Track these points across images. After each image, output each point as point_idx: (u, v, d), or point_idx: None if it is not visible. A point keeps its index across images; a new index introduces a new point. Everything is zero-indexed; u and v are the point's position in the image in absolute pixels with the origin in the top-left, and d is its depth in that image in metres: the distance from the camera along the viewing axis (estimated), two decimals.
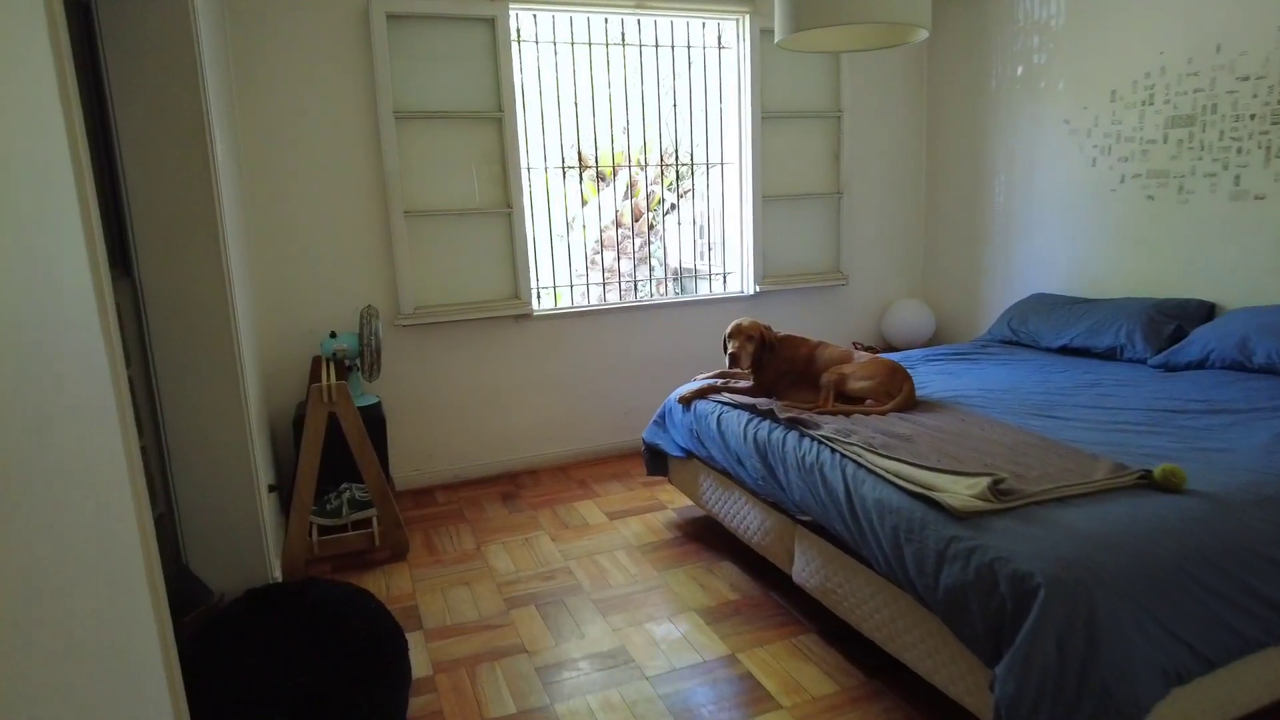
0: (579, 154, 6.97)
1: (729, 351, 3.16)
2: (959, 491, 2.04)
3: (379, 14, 3.65)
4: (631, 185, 7.04)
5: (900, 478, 2.21)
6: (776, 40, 2.58)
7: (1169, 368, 3.19)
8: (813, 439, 2.61)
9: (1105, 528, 1.85)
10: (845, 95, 4.62)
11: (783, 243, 4.70)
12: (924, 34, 2.68)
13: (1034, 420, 2.67)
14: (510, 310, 4.10)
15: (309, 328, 3.76)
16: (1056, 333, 3.73)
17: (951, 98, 4.69)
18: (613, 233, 7.02)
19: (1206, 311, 3.44)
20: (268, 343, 3.71)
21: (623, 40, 4.36)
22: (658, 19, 4.30)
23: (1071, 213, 4.06)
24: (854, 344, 4.93)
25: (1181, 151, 3.52)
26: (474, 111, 3.93)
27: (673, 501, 3.77)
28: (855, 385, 2.98)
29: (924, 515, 2.05)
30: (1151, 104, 3.62)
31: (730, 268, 4.76)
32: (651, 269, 5.35)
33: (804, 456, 2.57)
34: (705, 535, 3.39)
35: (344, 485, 3.52)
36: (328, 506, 3.41)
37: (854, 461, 2.39)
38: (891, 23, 2.49)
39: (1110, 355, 3.49)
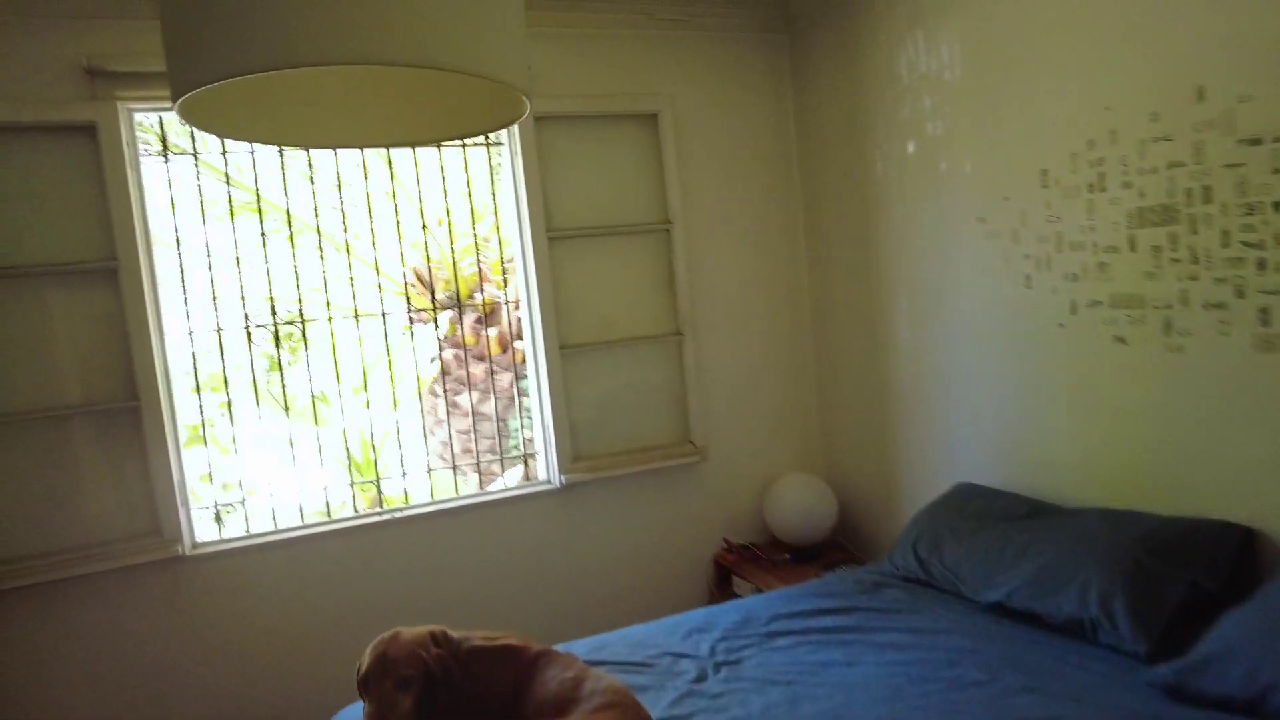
0: (416, 275, 5.63)
1: (366, 713, 1.66)
2: None
3: None
4: (470, 311, 5.68)
5: None
6: (176, 106, 1.11)
7: (1185, 695, 1.64)
8: None
9: None
10: (673, 198, 3.24)
11: (600, 409, 3.25)
12: (525, 107, 1.26)
13: None
14: (146, 554, 2.65)
15: None
16: (987, 575, 2.20)
17: (829, 191, 3.31)
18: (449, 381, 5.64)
19: (1238, 544, 1.92)
20: None
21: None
22: None
23: (1000, 357, 2.59)
24: (725, 540, 3.41)
25: (1162, 265, 2.07)
26: (76, 263, 2.59)
27: None
28: None
29: None
30: (1104, 189, 2.19)
31: (537, 447, 3.31)
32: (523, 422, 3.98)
33: None
34: None
35: None
36: None
37: None
38: (429, 67, 1.09)
39: (1075, 631, 1.96)
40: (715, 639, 2.22)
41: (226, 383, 3.29)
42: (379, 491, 4.29)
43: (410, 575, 2.99)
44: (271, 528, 2.93)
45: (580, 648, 2.23)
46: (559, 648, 2.23)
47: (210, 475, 3.80)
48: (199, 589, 2.76)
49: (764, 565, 3.26)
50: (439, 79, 1.26)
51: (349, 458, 4.83)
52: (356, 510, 3.17)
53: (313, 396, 4.60)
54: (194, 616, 2.75)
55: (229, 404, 3.95)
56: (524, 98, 1.20)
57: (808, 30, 3.30)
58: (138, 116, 2.70)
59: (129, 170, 2.61)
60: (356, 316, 3.64)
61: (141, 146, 2.72)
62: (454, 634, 1.81)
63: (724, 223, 3.36)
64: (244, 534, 2.89)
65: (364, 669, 1.67)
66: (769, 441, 3.49)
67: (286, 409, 4.42)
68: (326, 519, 2.99)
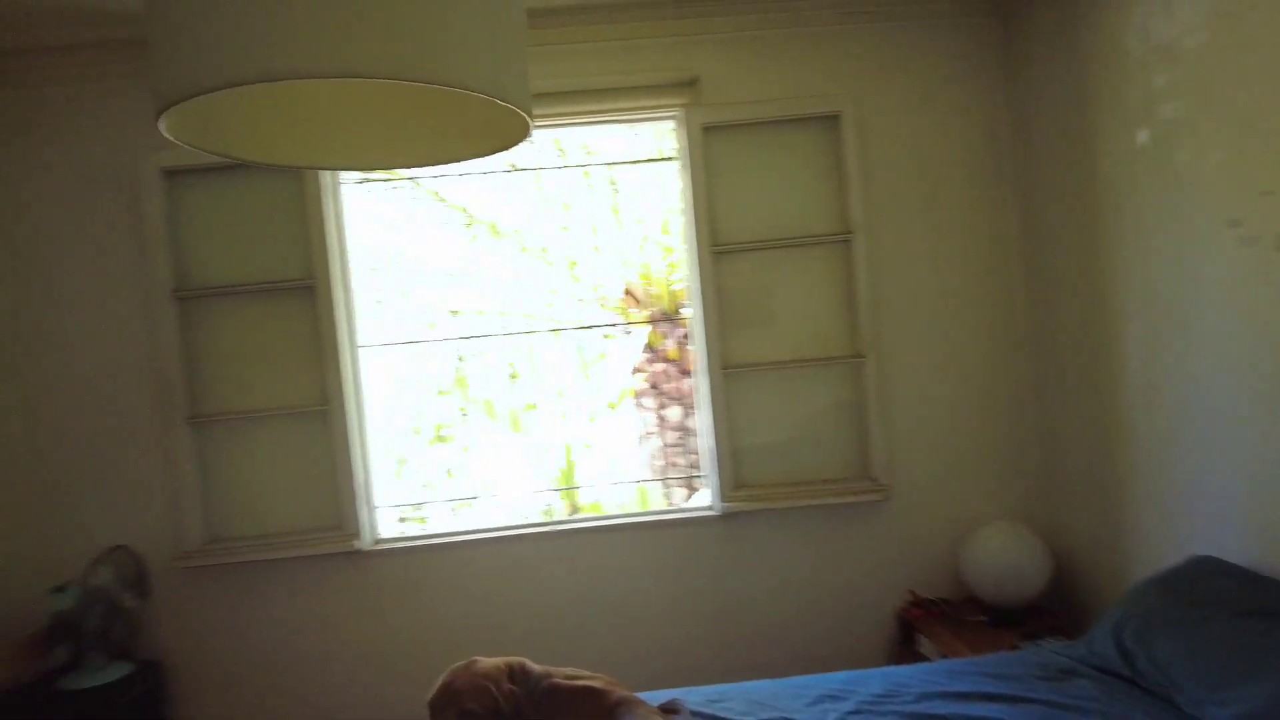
0: (626, 290, 5.73)
1: None
2: None
3: (152, 170, 2.82)
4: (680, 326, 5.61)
5: None
6: (163, 125, 1.08)
7: None
8: None
9: None
10: (855, 206, 2.93)
11: (768, 435, 3.03)
12: (529, 129, 1.12)
13: None
14: (332, 545, 2.90)
15: (53, 567, 2.84)
16: (1212, 686, 1.69)
17: (1049, 194, 2.80)
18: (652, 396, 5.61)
19: None
20: None
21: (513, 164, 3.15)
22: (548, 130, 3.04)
23: (1259, 398, 2.00)
24: (911, 593, 3.02)
25: None
26: (283, 281, 2.91)
27: None
28: None
29: None
30: None
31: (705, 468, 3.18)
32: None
33: None
34: None
35: None
36: None
37: None
38: (431, 83, 1.01)
39: None
40: (846, 711, 1.94)
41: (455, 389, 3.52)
42: (552, 503, 4.37)
43: (568, 586, 2.99)
44: (447, 529, 3.09)
45: (695, 696, 2.06)
46: (677, 693, 2.09)
47: (450, 473, 4.14)
48: (375, 583, 2.97)
49: (954, 625, 2.83)
50: (439, 102, 1.20)
51: (556, 466, 5.00)
52: (526, 518, 3.24)
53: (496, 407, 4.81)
54: (368, 608, 2.96)
55: (466, 410, 4.28)
56: (527, 118, 1.08)
57: (1024, 10, 2.83)
58: None
59: (326, 196, 2.89)
60: (578, 328, 3.75)
61: (343, 174, 3.00)
62: (534, 669, 1.74)
63: (917, 232, 2.98)
64: (421, 534, 3.08)
65: (431, 696, 1.64)
66: (969, 483, 3.03)
67: (454, 413, 4.67)
68: (495, 526, 3.08)
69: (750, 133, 2.95)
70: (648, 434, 6.03)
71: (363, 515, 2.95)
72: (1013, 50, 2.93)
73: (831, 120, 2.93)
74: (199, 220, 2.89)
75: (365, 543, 2.94)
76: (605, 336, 5.50)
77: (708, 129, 2.91)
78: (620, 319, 5.53)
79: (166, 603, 2.90)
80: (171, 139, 1.05)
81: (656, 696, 2.00)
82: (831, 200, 2.97)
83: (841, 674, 2.16)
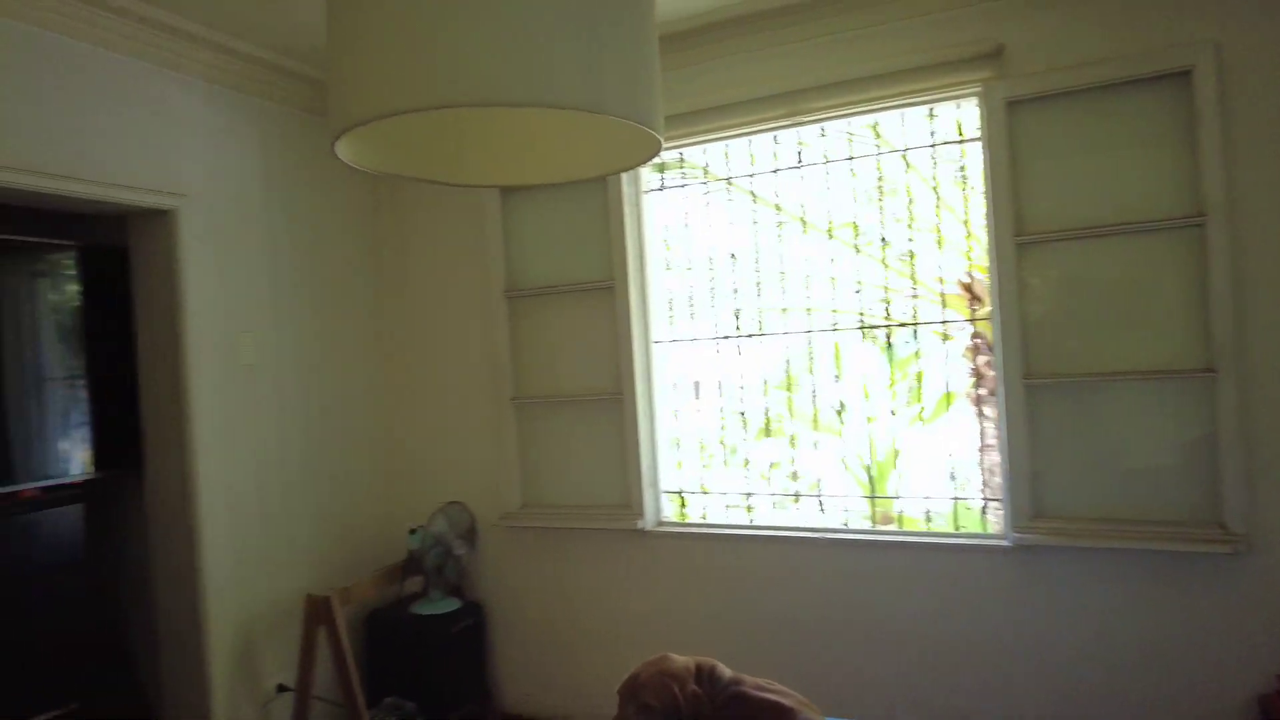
0: (966, 286, 5.28)
1: None
2: None
3: (492, 194, 3.35)
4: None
5: None
6: (336, 146, 1.18)
7: None
8: None
9: None
10: (1212, 182, 2.32)
11: (1082, 459, 2.55)
12: (658, 144, 1.12)
13: None
14: (618, 522, 3.16)
15: (416, 512, 3.52)
16: None
17: None
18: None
19: None
20: (363, 524, 3.59)
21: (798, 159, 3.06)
22: (824, 120, 2.92)
23: None
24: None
25: None
26: (588, 282, 3.23)
27: None
28: None
29: None
30: None
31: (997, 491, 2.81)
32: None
33: None
34: None
35: (389, 700, 3.14)
36: None
37: None
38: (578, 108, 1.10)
39: None
40: None
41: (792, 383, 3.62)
42: (860, 509, 4.14)
43: (831, 596, 2.87)
44: (725, 522, 3.18)
45: None
46: None
47: (779, 465, 4.25)
48: (652, 563, 3.16)
49: None
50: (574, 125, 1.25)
51: (867, 470, 4.78)
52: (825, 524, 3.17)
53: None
54: (644, 585, 3.17)
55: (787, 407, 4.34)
56: (658, 138, 1.11)
57: None
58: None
59: (627, 204, 3.13)
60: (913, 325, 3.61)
61: (649, 179, 3.23)
62: (724, 672, 1.74)
63: None
64: (699, 523, 3.20)
65: (620, 685, 1.72)
66: None
67: (780, 409, 4.61)
68: (769, 525, 3.08)
69: (1067, 104, 2.52)
70: (987, 445, 5.45)
71: (647, 497, 3.16)
72: None
73: (1179, 78, 2.37)
74: (525, 230, 3.34)
75: (648, 524, 3.15)
76: (939, 334, 5.08)
77: (1012, 104, 2.55)
78: (955, 316, 5.08)
79: (490, 553, 3.43)
80: (351, 163, 1.25)
81: None
82: (1177, 177, 2.40)
83: None
